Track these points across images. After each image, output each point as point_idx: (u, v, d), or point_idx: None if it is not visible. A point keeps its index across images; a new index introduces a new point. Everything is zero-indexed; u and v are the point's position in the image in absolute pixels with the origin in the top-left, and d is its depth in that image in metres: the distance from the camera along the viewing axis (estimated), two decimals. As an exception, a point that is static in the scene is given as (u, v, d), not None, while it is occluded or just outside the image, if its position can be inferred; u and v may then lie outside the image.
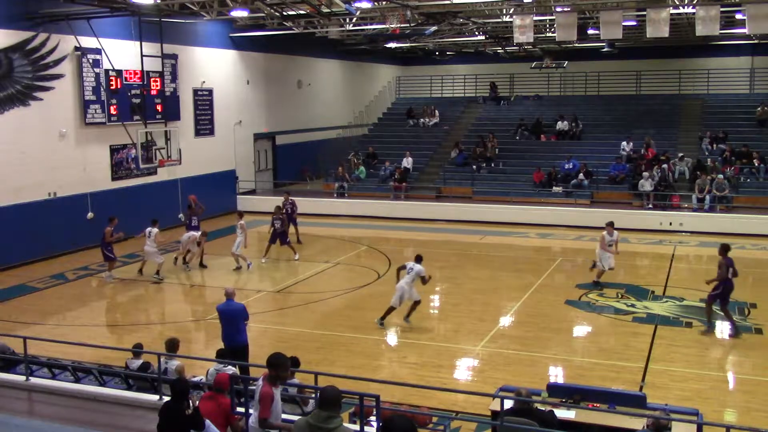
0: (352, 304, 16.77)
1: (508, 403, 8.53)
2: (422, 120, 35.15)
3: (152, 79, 24.17)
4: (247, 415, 8.61)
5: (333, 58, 36.17)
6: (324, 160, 33.21)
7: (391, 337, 14.65)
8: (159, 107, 24.46)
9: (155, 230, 19.10)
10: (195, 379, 10.14)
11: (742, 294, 16.95)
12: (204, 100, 27.41)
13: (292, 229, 22.85)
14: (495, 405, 8.98)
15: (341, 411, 6.56)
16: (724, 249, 14.46)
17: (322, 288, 18.09)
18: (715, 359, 13.41)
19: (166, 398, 8.45)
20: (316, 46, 32.50)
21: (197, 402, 8.12)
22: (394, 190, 28.94)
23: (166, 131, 24.28)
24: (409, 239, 24.65)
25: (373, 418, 8.64)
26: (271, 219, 21.40)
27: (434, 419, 9.81)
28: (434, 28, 26.22)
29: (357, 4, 21.19)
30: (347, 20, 25.51)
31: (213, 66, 27.87)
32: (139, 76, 23.53)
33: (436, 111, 35.32)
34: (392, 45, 34.59)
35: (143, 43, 22.93)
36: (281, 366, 7.38)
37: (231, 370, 9.61)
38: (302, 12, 23.14)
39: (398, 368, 12.66)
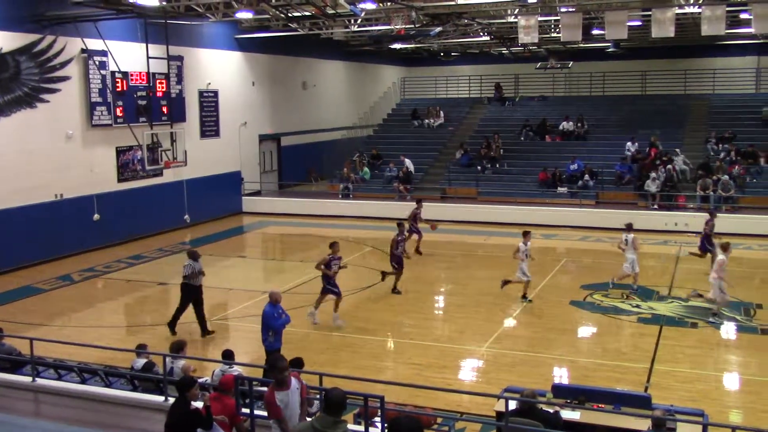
0: (357, 305, 16.77)
1: (513, 404, 8.54)
2: (427, 121, 35.16)
3: (158, 81, 24.22)
4: (252, 416, 8.65)
5: (338, 59, 36.22)
6: (329, 161, 33.24)
7: (396, 339, 14.67)
8: (165, 109, 24.51)
9: (631, 236, 17.40)
10: (200, 380, 10.17)
11: (748, 295, 16.95)
12: (209, 101, 27.47)
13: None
14: (500, 406, 9.00)
15: (346, 412, 6.57)
16: None
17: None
18: (720, 360, 13.38)
19: (172, 399, 8.50)
20: (321, 47, 32.56)
21: (208, 402, 8.17)
22: (398, 191, 28.93)
23: (171, 133, 24.28)
24: (414, 240, 24.59)
25: (377, 418, 8.66)
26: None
27: (439, 420, 9.83)
28: (439, 28, 26.24)
29: (362, 5, 21.22)
30: (352, 21, 25.55)
31: (218, 67, 27.93)
32: (145, 77, 23.56)
33: (441, 112, 35.33)
34: (397, 46, 34.62)
35: (149, 45, 22.92)
36: (274, 368, 7.48)
37: (236, 371, 9.65)
38: (307, 13, 23.19)
39: (403, 369, 12.66)
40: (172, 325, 14.55)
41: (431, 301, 17.69)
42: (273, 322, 11.59)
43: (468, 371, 12.95)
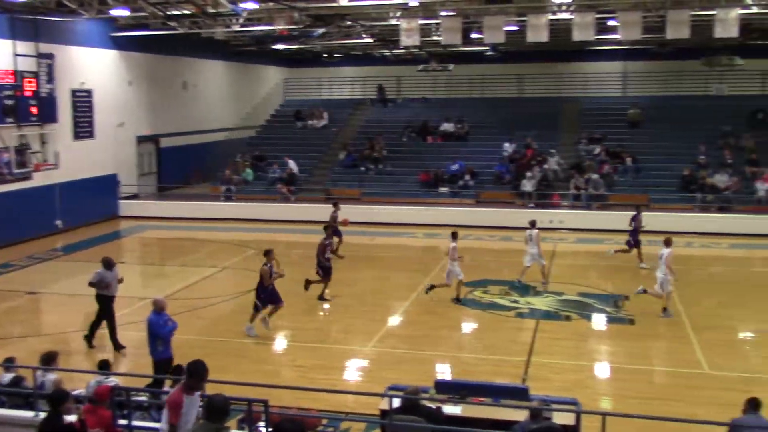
0: (240, 309, 16.48)
1: (397, 402, 8.66)
2: (310, 122, 35.08)
3: (26, 80, 22.98)
4: (130, 427, 8.38)
5: (219, 59, 35.58)
6: (211, 163, 32.57)
7: (281, 341, 14.56)
8: (34, 109, 23.29)
9: (535, 232, 18.07)
10: (75, 392, 9.73)
11: (618, 288, 17.88)
12: (83, 101, 26.30)
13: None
14: (384, 404, 9.09)
15: (229, 418, 6.47)
16: None
17: (209, 293, 17.74)
18: (592, 350, 14.05)
19: (44, 414, 8.10)
20: (202, 46, 31.86)
21: (82, 416, 7.85)
22: (282, 193, 28.75)
23: (42, 134, 23.20)
24: (298, 242, 24.54)
25: (261, 423, 8.56)
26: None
27: (324, 421, 9.87)
28: (322, 30, 26.25)
29: (243, 5, 20.94)
30: (234, 21, 25.14)
31: (93, 66, 26.79)
32: (12, 76, 22.35)
33: (325, 113, 35.33)
34: (280, 46, 34.38)
35: (17, 42, 21.84)
36: (194, 374, 7.32)
37: (113, 381, 9.31)
38: (187, 12, 22.66)
39: (288, 372, 12.61)
40: (89, 337, 13.79)
41: (316, 303, 17.62)
42: (160, 331, 11.26)
43: (353, 371, 13.02)
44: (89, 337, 13.83)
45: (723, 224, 24.74)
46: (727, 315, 15.89)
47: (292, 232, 25.77)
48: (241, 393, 8.90)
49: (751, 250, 22.53)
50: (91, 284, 13.73)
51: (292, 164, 30.04)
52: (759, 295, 17.73)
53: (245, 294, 17.48)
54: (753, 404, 8.09)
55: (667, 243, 15.91)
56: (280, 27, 23.84)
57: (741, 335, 14.98)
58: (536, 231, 18.17)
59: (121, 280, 14.02)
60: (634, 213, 20.33)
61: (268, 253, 14.41)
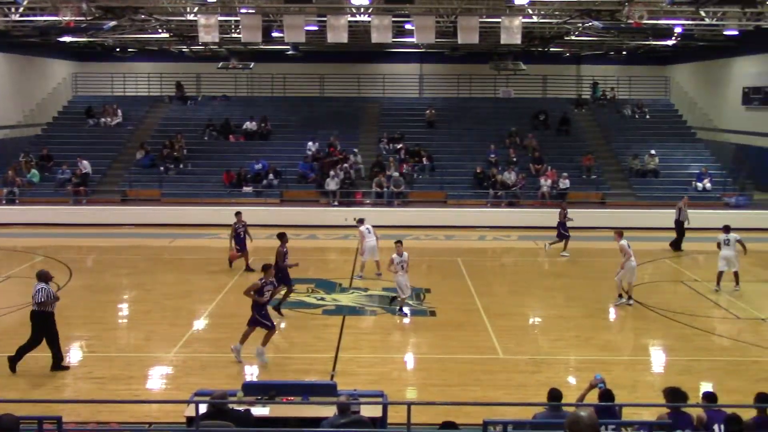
0: (27, 320, 15.24)
1: (204, 408, 8.41)
2: (103, 120, 33.22)
3: None
4: None
5: (-3, 50, 32.73)
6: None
7: (75, 352, 13.64)
8: None
9: (370, 226, 19.05)
10: None
11: (418, 281, 18.55)
12: None
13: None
14: (190, 411, 8.81)
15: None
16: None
17: (-9, 305, 16.26)
18: (397, 343, 14.49)
19: None
20: (-24, 36, 29.13)
21: None
22: (73, 195, 27.02)
23: None
24: (93, 246, 23.19)
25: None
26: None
27: (126, 433, 9.39)
28: (113, 22, 24.92)
29: (24, -8, 19.39)
30: (12, 9, 23.19)
31: None
32: None
33: (119, 110, 33.61)
34: (67, 39, 32.19)
35: None
36: None
37: None
38: (-44, -3, 20.62)
39: (84, 384, 11.82)
40: (15, 359, 12.22)
41: (113, 310, 16.71)
42: None
43: (156, 379, 12.47)
44: (59, 360, 12.39)
45: (512, 218, 26.52)
46: (517, 302, 17.05)
47: (85, 236, 24.28)
48: (31, 411, 8.25)
49: (537, 242, 24.27)
50: (39, 304, 12.19)
51: (86, 164, 28.29)
52: (545, 284, 19.21)
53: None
54: (551, 398, 8.38)
55: (621, 234, 16.68)
56: (67, 18, 22.28)
57: (530, 321, 16.14)
58: (371, 225, 18.90)
59: (58, 298, 12.65)
60: (559, 209, 22.36)
61: (265, 268, 13.30)
